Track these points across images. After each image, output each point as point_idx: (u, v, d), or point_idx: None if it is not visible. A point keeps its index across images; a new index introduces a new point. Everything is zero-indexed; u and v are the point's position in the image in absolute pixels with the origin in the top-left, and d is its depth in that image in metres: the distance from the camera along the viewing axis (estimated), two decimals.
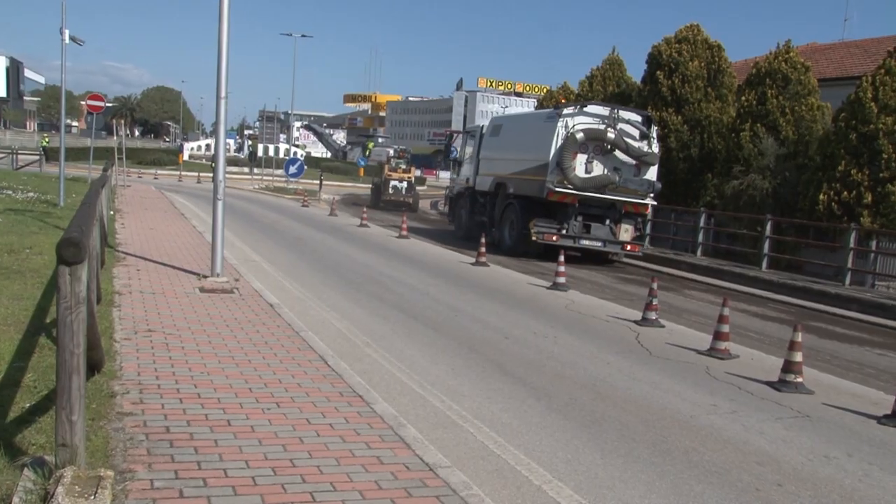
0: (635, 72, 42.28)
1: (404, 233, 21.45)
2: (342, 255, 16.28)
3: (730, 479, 5.30)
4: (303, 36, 62.63)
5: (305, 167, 40.60)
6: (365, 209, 26.43)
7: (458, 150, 24.74)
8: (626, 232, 18.27)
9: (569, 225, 17.97)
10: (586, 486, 4.97)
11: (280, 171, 44.49)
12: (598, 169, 17.65)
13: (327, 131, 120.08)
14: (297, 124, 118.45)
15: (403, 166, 35.62)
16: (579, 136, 17.22)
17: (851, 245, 16.39)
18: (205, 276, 10.64)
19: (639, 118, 18.32)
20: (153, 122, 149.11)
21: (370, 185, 39.43)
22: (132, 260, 11.77)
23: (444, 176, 71.41)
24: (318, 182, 40.65)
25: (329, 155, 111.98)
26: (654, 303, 10.99)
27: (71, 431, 3.81)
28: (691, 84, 23.71)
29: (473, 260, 16.66)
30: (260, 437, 4.94)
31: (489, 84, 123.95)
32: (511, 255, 18.44)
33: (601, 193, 17.62)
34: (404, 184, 34.69)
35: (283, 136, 74.80)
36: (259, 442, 4.85)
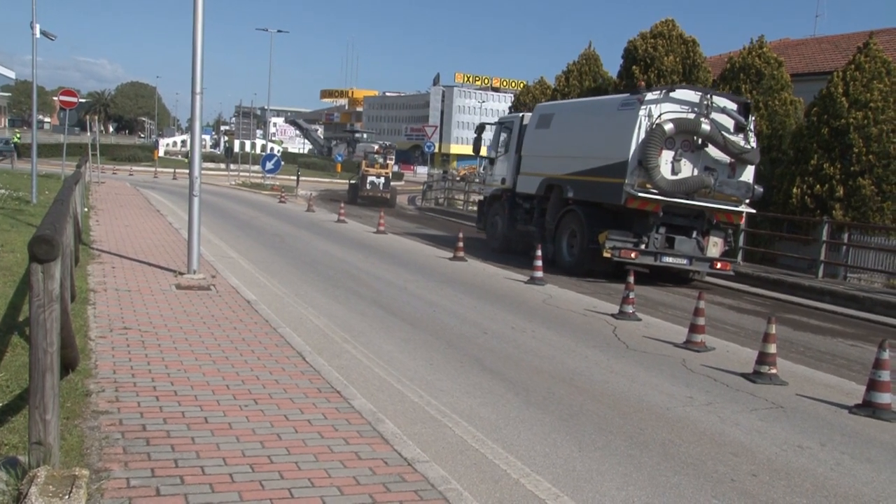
0: (611, 67, 42.56)
1: (382, 228, 21.41)
2: (320, 252, 16.22)
3: (705, 469, 5.37)
4: (279, 31, 62.08)
5: (282, 163, 40.39)
6: (342, 205, 26.34)
7: (490, 144, 20.94)
8: (714, 246, 15.18)
9: (649, 238, 14.78)
10: (564, 478, 5.01)
11: (257, 167, 44.26)
12: (686, 169, 14.55)
13: (312, 127, 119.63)
14: (275, 120, 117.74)
15: (381, 161, 35.53)
16: (668, 127, 14.07)
17: (824, 238, 16.62)
18: (181, 273, 10.56)
19: (734, 105, 15.01)
20: (128, 118, 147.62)
21: (347, 181, 39.32)
22: (107, 257, 11.64)
23: (422, 171, 71.41)
24: (295, 178, 40.46)
25: (311, 150, 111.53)
26: (630, 296, 11.08)
27: (45, 430, 3.77)
28: (667, 79, 23.84)
29: (451, 255, 16.67)
30: (237, 434, 4.92)
31: (466, 79, 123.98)
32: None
33: (690, 199, 14.53)
34: (382, 179, 34.62)
35: (259, 132, 74.38)
36: (237, 439, 4.83)
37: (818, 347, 10.43)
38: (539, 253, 14.36)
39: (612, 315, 11.05)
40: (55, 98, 28.28)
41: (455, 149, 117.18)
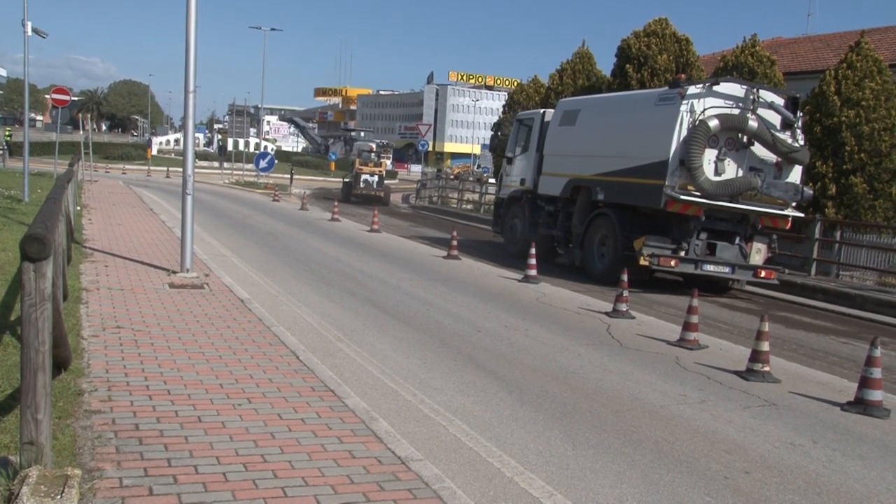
0: (605, 65, 42.57)
1: (375, 227, 21.40)
2: (313, 250, 16.20)
3: (699, 467, 5.38)
4: (272, 29, 62.09)
5: (276, 161, 40.32)
6: (336, 203, 26.33)
7: (509, 143, 19.50)
8: (758, 252, 14.13)
9: (689, 244, 13.63)
10: (558, 476, 5.01)
11: (250, 166, 44.22)
12: (730, 169, 13.50)
13: (310, 125, 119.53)
14: (268, 118, 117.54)
15: (374, 159, 35.50)
16: (712, 124, 12.97)
17: (817, 236, 16.68)
18: (174, 272, 10.53)
19: (781, 100, 13.94)
20: (121, 117, 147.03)
21: (341, 179, 39.29)
22: (100, 256, 11.60)
23: (416, 170, 71.42)
24: (288, 176, 40.40)
25: (304, 149, 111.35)
26: (624, 294, 11.10)
27: (36, 430, 3.76)
28: (660, 77, 23.86)
29: (445, 253, 16.67)
30: (231, 433, 4.91)
31: (460, 77, 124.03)
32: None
33: (734, 202, 13.48)
34: (375, 178, 34.59)
35: (253, 131, 74.22)
36: (230, 438, 4.82)
37: (811, 345, 10.47)
38: (533, 251, 14.24)
39: (606, 313, 11.07)
40: (47, 96, 28.27)
41: (449, 147, 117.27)
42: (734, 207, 13.51)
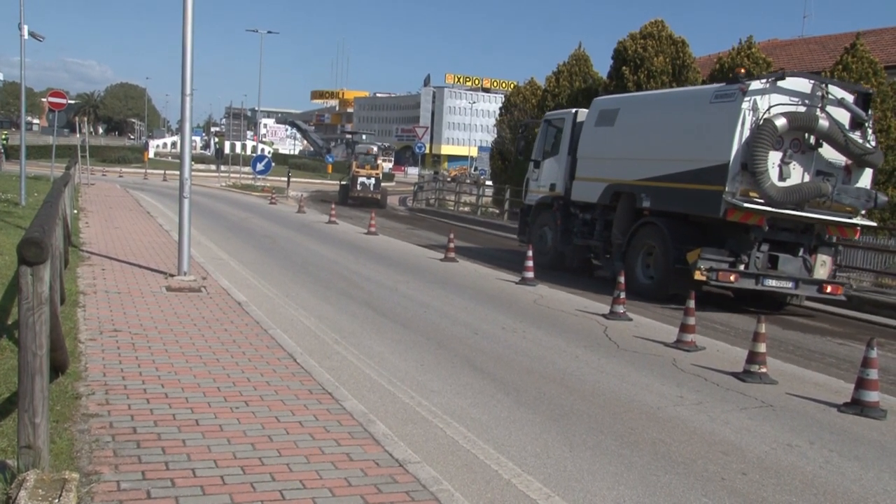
0: (601, 67, 42.64)
1: (373, 229, 21.40)
2: (311, 253, 16.20)
3: (696, 469, 5.39)
4: (269, 32, 62.00)
5: (273, 164, 40.32)
6: (333, 206, 26.32)
7: (536, 145, 18.09)
8: (823, 266, 12.82)
9: (749, 257, 12.40)
10: (555, 478, 5.02)
11: (247, 169, 44.20)
12: (795, 174, 12.20)
13: (310, 128, 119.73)
14: (265, 121, 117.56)
15: (371, 162, 35.50)
16: (779, 123, 11.69)
17: None
18: (171, 275, 10.53)
19: (851, 97, 12.53)
20: (117, 120, 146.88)
21: (338, 182, 39.29)
22: (97, 259, 11.59)
23: (413, 172, 71.43)
24: (286, 179, 40.39)
25: (301, 152, 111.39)
26: (621, 296, 11.12)
27: (34, 434, 3.76)
28: (657, 79, 23.95)
29: (442, 256, 16.67)
30: (228, 436, 4.91)
31: (456, 80, 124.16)
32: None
33: (800, 210, 12.20)
34: (372, 180, 34.59)
35: (250, 133, 74.21)
36: (228, 441, 4.82)
37: (807, 346, 10.49)
38: (530, 254, 14.13)
39: (603, 315, 11.08)
40: (44, 99, 28.17)
41: (446, 149, 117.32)
42: (800, 216, 12.21)
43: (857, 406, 7.06)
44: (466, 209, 34.62)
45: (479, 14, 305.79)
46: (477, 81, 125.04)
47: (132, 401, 5.40)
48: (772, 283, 12.43)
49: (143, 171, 49.93)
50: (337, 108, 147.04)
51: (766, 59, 21.83)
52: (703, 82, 23.27)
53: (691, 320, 9.38)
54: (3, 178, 30.05)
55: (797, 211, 12.10)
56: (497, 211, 32.53)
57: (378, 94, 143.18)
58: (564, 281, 14.81)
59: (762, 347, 8.00)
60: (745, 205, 11.79)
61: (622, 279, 11.24)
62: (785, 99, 12.04)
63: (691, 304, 9.42)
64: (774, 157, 11.95)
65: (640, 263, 13.61)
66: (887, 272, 16.13)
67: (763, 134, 11.58)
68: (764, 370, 7.98)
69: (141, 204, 23.81)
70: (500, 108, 35.67)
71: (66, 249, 10.16)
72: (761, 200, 11.82)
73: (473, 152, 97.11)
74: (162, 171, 47.38)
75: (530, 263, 14.00)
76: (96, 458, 4.36)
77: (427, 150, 72.14)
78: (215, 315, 8.44)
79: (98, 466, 4.26)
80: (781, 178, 12.02)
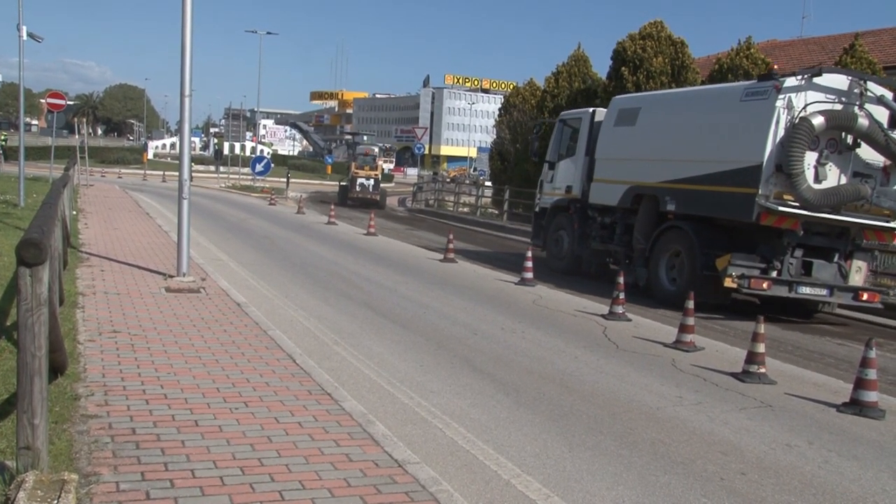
0: (601, 68, 42.66)
1: (372, 230, 21.40)
2: (310, 253, 16.20)
3: (695, 469, 5.40)
4: (268, 33, 61.94)
5: (272, 165, 40.32)
6: (332, 207, 26.32)
7: (550, 145, 17.35)
8: (858, 272, 12.31)
9: (782, 263, 11.85)
10: (554, 479, 5.02)
11: (246, 170, 44.17)
12: (831, 175, 11.68)
13: (311, 129, 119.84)
14: (264, 122, 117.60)
15: (370, 163, 35.50)
16: (816, 122, 11.16)
17: None
18: (171, 276, 10.53)
19: (890, 93, 12.00)
20: (116, 121, 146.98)
21: (337, 183, 39.30)
22: (96, 260, 11.59)
23: (412, 173, 71.45)
24: (285, 180, 40.39)
25: (301, 152, 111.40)
26: (620, 297, 11.12)
27: (33, 435, 3.76)
28: (656, 80, 23.97)
29: (441, 256, 16.67)
30: (228, 436, 4.91)
31: (456, 80, 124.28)
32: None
33: (836, 213, 11.60)
34: (371, 181, 34.59)
35: (249, 134, 74.24)
36: (227, 442, 4.82)
37: (806, 346, 10.49)
38: (529, 255, 14.11)
39: (602, 315, 11.09)
40: (42, 100, 28.16)
41: (445, 150, 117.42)
42: (837, 220, 11.65)
43: (855, 406, 7.06)
44: (466, 210, 34.63)
45: (479, 15, 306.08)
46: (476, 82, 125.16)
47: (131, 402, 5.40)
48: (806, 291, 11.92)
49: (142, 172, 49.86)
50: (336, 109, 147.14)
51: (764, 59, 21.87)
52: (703, 83, 23.30)
53: (690, 320, 9.39)
54: (2, 179, 30.02)
55: (834, 214, 11.55)
56: (496, 212, 32.53)
57: (377, 95, 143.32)
58: (563, 282, 14.81)
59: (761, 348, 8.00)
60: (781, 208, 11.27)
61: (621, 280, 11.24)
62: (821, 96, 11.49)
63: (690, 304, 9.43)
64: (810, 158, 11.43)
65: (664, 269, 13.06)
66: (885, 272, 16.04)
67: (799, 133, 11.06)
68: (763, 370, 7.99)
69: (140, 205, 23.80)
70: (500, 109, 35.67)
71: (65, 250, 10.16)
72: (796, 204, 11.31)
73: (473, 153, 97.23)
74: (161, 172, 47.34)
75: (529, 264, 13.99)
76: (95, 459, 4.36)
77: (426, 151, 72.17)
78: (214, 316, 8.44)
79: (97, 467, 4.26)
80: (817, 179, 11.51)
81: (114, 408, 5.25)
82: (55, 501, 3.53)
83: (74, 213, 17.63)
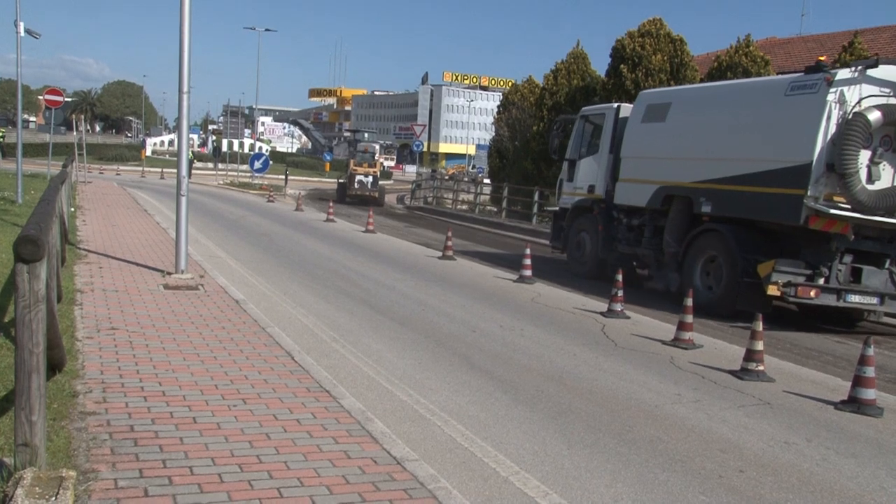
0: (599, 65, 42.69)
1: (371, 227, 21.39)
2: (308, 251, 16.19)
3: (693, 466, 5.40)
4: (266, 30, 62.07)
5: (271, 162, 40.27)
6: (331, 204, 26.30)
7: (570, 143, 16.47)
8: None
9: (830, 269, 11.05)
10: (553, 476, 5.02)
11: (245, 167, 44.12)
12: (885, 175, 10.91)
13: (312, 126, 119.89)
14: (263, 119, 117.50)
15: (369, 160, 35.49)
16: (872, 118, 10.41)
17: None
18: (169, 273, 10.52)
19: None
20: (114, 118, 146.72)
21: (336, 180, 39.29)
22: (94, 257, 11.58)
23: (411, 170, 71.43)
24: (283, 177, 40.34)
25: (308, 150, 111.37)
26: (619, 294, 11.12)
27: (31, 432, 3.75)
28: (655, 77, 23.96)
29: (440, 254, 16.66)
30: (226, 434, 4.90)
31: (454, 78, 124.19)
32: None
33: (890, 216, 10.83)
34: (370, 178, 34.56)
35: (248, 131, 74.19)
36: (225, 439, 4.82)
37: (804, 344, 10.50)
38: (528, 252, 14.06)
39: (601, 313, 11.09)
40: (40, 97, 28.14)
41: (444, 147, 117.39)
42: (892, 223, 10.87)
43: (853, 404, 7.07)
44: (464, 207, 34.63)
45: (477, 12, 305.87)
46: (475, 79, 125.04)
47: (129, 399, 5.40)
48: (855, 299, 11.08)
49: (140, 168, 49.77)
50: (335, 106, 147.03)
51: (763, 57, 21.87)
52: (702, 80, 23.27)
53: (689, 318, 9.39)
54: (0, 175, 29.98)
55: (889, 217, 10.80)
56: (495, 209, 32.53)
57: (376, 92, 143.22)
58: (562, 279, 14.81)
59: (759, 345, 8.01)
60: (832, 211, 10.49)
61: (619, 277, 11.24)
62: (875, 90, 10.68)
63: (689, 301, 9.42)
64: (863, 157, 10.66)
65: (698, 275, 12.25)
66: None
67: (854, 130, 10.30)
68: (761, 368, 7.99)
69: (138, 202, 23.77)
70: (498, 107, 35.67)
71: (63, 247, 10.14)
72: (848, 206, 10.58)
73: (471, 150, 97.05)
74: (159, 169, 47.28)
75: (528, 262, 13.98)
76: (93, 456, 4.36)
77: (425, 149, 72.16)
78: (213, 313, 8.44)
79: (95, 464, 4.26)
80: (870, 180, 10.75)
81: (112, 405, 5.24)
82: (53, 498, 3.53)
83: (72, 209, 17.60)
